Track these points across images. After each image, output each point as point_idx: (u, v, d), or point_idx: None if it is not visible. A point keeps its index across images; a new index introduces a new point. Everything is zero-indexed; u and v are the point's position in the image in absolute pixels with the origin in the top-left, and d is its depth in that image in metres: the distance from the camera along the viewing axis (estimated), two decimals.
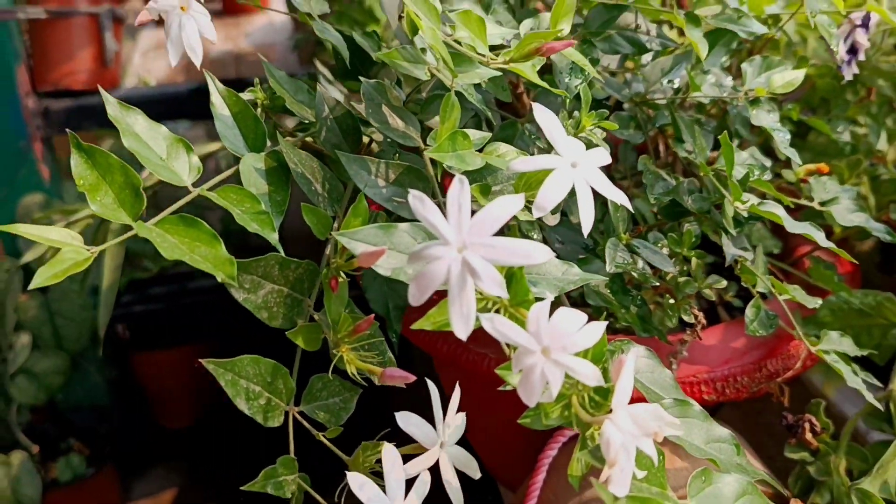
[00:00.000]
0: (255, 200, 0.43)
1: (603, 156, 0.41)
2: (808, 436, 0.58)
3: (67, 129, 0.43)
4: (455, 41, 0.44)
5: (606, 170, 0.42)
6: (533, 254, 0.33)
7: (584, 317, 0.35)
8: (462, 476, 0.44)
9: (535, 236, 0.52)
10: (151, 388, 1.87)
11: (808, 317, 0.63)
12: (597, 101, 0.50)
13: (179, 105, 1.54)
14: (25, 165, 1.52)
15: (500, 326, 0.34)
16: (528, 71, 0.42)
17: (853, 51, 0.64)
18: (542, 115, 0.40)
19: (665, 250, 0.54)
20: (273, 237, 0.43)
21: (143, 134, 0.44)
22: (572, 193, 0.39)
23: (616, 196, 0.40)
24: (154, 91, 1.62)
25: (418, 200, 0.34)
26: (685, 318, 0.56)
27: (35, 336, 1.54)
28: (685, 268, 0.57)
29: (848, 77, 0.64)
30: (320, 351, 0.47)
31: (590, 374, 0.35)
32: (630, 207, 0.41)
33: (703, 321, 0.55)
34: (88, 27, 1.55)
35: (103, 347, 1.67)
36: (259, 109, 0.52)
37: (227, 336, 1.88)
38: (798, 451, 0.59)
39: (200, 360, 0.42)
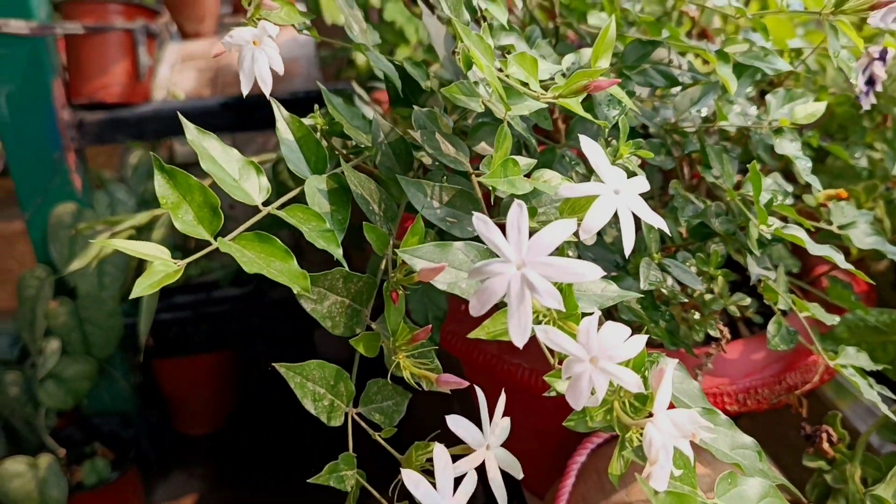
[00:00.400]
0: (320, 219, 0.47)
1: (643, 184, 0.45)
2: (826, 445, 0.62)
3: (152, 154, 0.47)
4: (505, 76, 0.48)
5: None
6: (586, 273, 0.37)
7: (628, 330, 0.39)
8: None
9: (570, 253, 0.55)
10: (174, 394, 1.91)
11: (826, 333, 0.67)
12: (630, 129, 0.54)
13: (209, 118, 1.59)
14: (59, 175, 1.57)
15: (553, 337, 0.38)
16: (575, 104, 0.46)
17: (871, 82, 0.68)
18: (588, 145, 0.44)
19: (693, 269, 0.58)
20: (338, 253, 0.46)
21: (218, 157, 0.48)
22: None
23: (655, 221, 0.44)
24: (184, 105, 1.67)
25: (482, 222, 0.38)
26: (711, 332, 0.60)
27: (64, 342, 1.58)
28: (711, 286, 0.60)
29: (866, 107, 0.68)
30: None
31: (633, 382, 0.38)
32: (667, 230, 0.45)
33: (728, 336, 0.59)
34: (123, 42, 1.60)
35: (128, 354, 1.71)
36: (318, 134, 0.56)
37: (248, 344, 1.92)
38: (815, 459, 0.63)
39: (273, 363, 0.46)
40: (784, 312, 0.62)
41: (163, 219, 1.13)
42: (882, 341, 0.67)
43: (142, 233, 1.13)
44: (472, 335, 0.42)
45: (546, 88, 0.48)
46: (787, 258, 0.72)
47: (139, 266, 1.43)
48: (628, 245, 0.43)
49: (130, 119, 1.61)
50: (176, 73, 2.23)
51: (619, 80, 0.45)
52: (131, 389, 1.73)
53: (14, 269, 2.18)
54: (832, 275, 0.72)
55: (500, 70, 0.48)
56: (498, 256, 0.38)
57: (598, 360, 0.38)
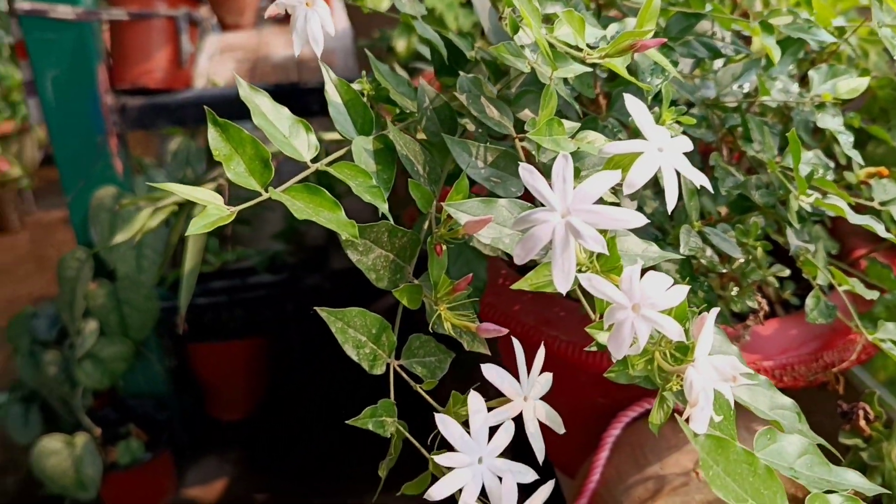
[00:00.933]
0: (367, 175, 0.48)
1: (686, 143, 0.45)
2: (862, 423, 0.62)
3: (206, 108, 0.48)
4: (553, 38, 0.48)
5: None
6: (629, 219, 0.38)
7: (670, 280, 0.40)
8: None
9: None
10: (208, 379, 1.93)
11: (864, 313, 0.67)
12: (672, 101, 0.54)
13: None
14: (101, 159, 1.59)
15: (596, 284, 0.39)
16: (620, 65, 0.47)
17: None
18: (632, 103, 0.44)
19: (732, 240, 0.58)
20: (384, 207, 0.48)
21: (269, 114, 0.50)
22: (646, 188, 0.44)
23: (698, 178, 0.44)
24: (225, 91, 1.69)
25: (528, 172, 0.39)
26: (750, 303, 0.60)
27: (102, 323, 1.60)
28: (750, 258, 0.61)
29: None
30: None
31: (674, 330, 0.39)
32: (710, 188, 0.45)
33: (766, 307, 0.59)
34: (166, 29, 1.63)
35: (164, 338, 1.74)
36: (365, 98, 0.57)
37: (282, 331, 1.94)
38: (852, 437, 0.63)
39: (315, 307, 0.47)
40: (823, 291, 0.62)
41: None
42: None
43: (183, 209, 1.15)
44: (515, 286, 0.43)
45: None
46: (825, 240, 0.72)
47: (177, 250, 1.45)
48: (671, 200, 0.43)
49: (171, 105, 1.63)
50: (215, 64, 2.26)
51: (665, 40, 0.46)
52: (166, 373, 1.76)
53: (53, 256, 2.23)
54: (871, 256, 0.72)
55: (546, 36, 0.49)
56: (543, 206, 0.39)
57: (640, 308, 0.39)
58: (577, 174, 0.49)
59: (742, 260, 0.60)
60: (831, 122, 0.62)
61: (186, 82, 1.69)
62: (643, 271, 0.40)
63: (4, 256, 2.58)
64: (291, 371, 2.02)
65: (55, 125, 1.54)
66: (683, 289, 0.40)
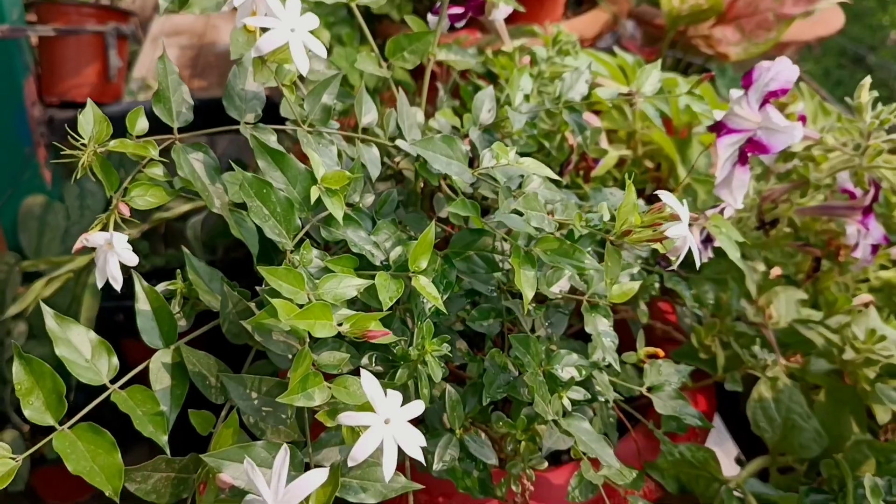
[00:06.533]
0: (154, 403, 0.56)
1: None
2: None
3: (13, 342, 0.54)
4: None
5: None
6: None
7: None
8: None
9: None
10: (142, 371, 1.99)
11: (651, 463, 0.75)
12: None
13: None
14: (29, 169, 1.64)
15: None
16: None
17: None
18: None
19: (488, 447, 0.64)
20: (163, 439, 0.55)
21: (73, 340, 0.56)
22: None
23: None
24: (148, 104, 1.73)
25: (250, 467, 0.47)
26: (514, 488, 0.66)
27: (31, 325, 1.66)
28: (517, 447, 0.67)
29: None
30: None
31: None
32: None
33: (531, 487, 0.66)
34: (94, 44, 1.65)
35: (99, 332, 1.80)
36: (178, 295, 0.63)
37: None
38: None
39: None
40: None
41: None
42: (695, 475, 0.75)
43: (80, 276, 1.21)
44: None
45: None
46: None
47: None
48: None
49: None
50: (158, 49, 2.28)
51: None
52: None
53: None
54: None
55: None
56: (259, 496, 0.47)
57: None
58: None
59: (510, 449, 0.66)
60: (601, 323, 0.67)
61: (115, 95, 1.72)
62: None
63: None
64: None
65: None
66: None
